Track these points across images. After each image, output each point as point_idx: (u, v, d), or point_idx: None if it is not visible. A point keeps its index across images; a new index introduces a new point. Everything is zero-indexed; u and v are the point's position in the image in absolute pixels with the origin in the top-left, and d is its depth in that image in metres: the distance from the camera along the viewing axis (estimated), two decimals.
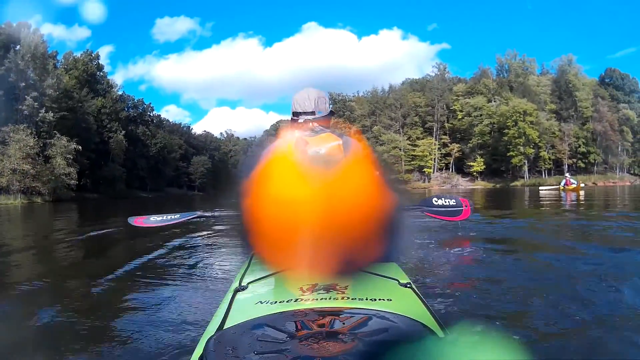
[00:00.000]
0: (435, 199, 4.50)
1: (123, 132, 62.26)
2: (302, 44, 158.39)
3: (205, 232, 7.85)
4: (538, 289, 3.42)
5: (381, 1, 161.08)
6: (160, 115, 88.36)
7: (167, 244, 6.64)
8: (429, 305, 1.51)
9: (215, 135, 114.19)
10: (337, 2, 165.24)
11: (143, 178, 70.09)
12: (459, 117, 78.10)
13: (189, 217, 4.43)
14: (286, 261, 1.63)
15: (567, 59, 79.59)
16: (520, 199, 22.83)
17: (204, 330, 1.41)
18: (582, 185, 32.51)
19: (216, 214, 4.60)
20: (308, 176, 1.53)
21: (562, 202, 17.39)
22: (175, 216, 4.52)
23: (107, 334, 2.71)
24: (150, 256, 5.65)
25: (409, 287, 1.65)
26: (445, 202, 4.47)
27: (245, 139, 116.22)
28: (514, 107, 70.41)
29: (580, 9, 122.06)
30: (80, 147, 47.93)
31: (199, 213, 4.52)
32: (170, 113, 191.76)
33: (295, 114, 2.34)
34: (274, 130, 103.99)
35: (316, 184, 1.51)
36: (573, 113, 75.65)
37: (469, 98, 77.95)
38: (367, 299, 1.45)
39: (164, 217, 4.60)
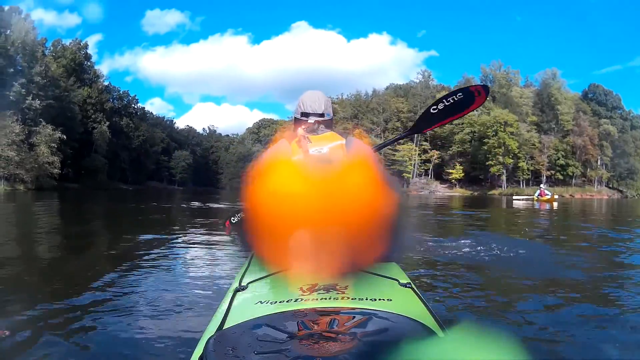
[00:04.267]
0: (433, 107, 3.57)
1: (107, 123, 63.33)
2: (291, 43, 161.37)
3: (204, 232, 8.01)
4: (538, 288, 3.55)
5: (372, 5, 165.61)
6: (144, 107, 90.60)
7: (167, 243, 6.81)
8: (429, 305, 1.54)
9: (197, 131, 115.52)
10: (328, 3, 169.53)
11: (124, 170, 71.35)
12: None
13: None
14: (286, 261, 1.65)
15: (551, 72, 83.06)
16: (498, 207, 23.80)
17: (204, 330, 1.44)
18: (556, 196, 34.60)
19: None
20: (307, 173, 1.57)
21: (536, 211, 18.75)
22: None
23: (105, 334, 2.76)
24: (149, 256, 5.72)
25: (409, 287, 1.67)
26: (449, 101, 3.55)
27: (227, 135, 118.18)
28: (495, 117, 72.98)
29: (568, 24, 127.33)
30: (64, 137, 48.91)
31: None
32: (155, 106, 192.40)
33: (305, 115, 2.34)
34: (257, 129, 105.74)
35: (315, 181, 1.54)
36: (554, 126, 78.81)
37: None
38: (367, 299, 1.49)
39: None
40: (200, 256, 5.59)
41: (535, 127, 78.35)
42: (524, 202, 31.05)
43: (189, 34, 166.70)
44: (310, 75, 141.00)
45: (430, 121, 3.57)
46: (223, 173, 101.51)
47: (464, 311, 3.01)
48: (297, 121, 2.40)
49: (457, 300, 3.28)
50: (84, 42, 66.06)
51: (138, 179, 75.77)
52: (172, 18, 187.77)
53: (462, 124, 76.99)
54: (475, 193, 71.36)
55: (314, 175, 1.56)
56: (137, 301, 3.51)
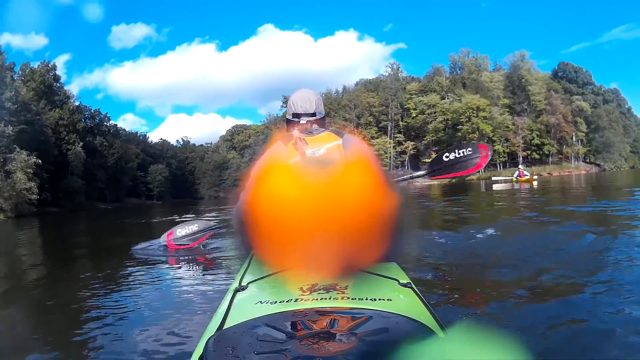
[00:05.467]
0: (445, 154, 3.93)
1: (81, 143, 63.13)
2: (258, 47, 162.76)
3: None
4: (538, 287, 3.48)
5: (337, 2, 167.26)
6: (117, 124, 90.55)
7: (162, 249, 6.67)
8: (429, 305, 1.53)
9: (171, 143, 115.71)
10: (293, 4, 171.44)
11: (102, 189, 70.97)
12: (413, 115, 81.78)
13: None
14: (286, 261, 1.64)
15: (520, 54, 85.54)
16: (478, 191, 24.70)
17: (204, 330, 1.45)
18: (535, 176, 36.29)
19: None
20: (303, 177, 1.54)
21: (518, 194, 19.32)
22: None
23: (107, 334, 2.80)
24: (149, 256, 5.84)
25: (409, 287, 1.67)
26: (459, 153, 3.88)
27: (201, 145, 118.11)
28: (467, 103, 74.83)
29: (534, 5, 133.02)
30: (40, 161, 48.45)
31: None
32: (127, 122, 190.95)
33: (296, 115, 2.37)
34: (230, 135, 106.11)
35: (312, 184, 1.51)
36: (526, 107, 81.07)
37: (423, 96, 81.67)
38: (367, 299, 1.49)
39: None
40: (199, 257, 5.68)
41: (507, 109, 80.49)
42: (504, 184, 32.27)
43: (156, 46, 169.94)
44: (281, 77, 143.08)
45: (440, 168, 3.96)
46: (200, 183, 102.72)
47: (464, 311, 3.02)
48: (289, 122, 2.44)
49: (457, 300, 3.30)
50: (52, 63, 65.92)
51: (116, 197, 75.62)
52: (138, 31, 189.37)
53: (435, 112, 78.79)
54: (454, 180, 69.75)
55: (311, 179, 1.54)
56: (137, 302, 3.66)
